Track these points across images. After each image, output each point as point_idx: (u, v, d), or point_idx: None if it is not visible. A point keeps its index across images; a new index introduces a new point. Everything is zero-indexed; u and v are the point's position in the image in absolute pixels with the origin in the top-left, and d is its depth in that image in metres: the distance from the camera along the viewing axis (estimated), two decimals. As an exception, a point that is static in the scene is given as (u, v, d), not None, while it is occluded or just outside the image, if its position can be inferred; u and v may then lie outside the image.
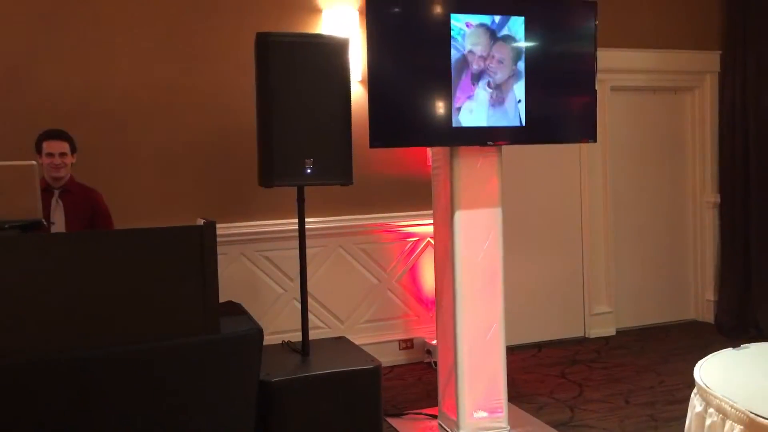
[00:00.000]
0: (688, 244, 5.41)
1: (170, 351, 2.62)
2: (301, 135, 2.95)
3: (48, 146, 3.36)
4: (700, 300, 5.37)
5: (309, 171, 2.95)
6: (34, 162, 2.66)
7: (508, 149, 3.35)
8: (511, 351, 4.37)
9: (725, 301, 5.14)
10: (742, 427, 1.47)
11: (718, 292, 5.27)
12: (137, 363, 2.57)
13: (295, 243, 3.41)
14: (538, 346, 4.76)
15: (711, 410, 1.58)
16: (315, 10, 4.23)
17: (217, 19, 4.06)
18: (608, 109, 5.00)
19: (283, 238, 4.14)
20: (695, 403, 1.64)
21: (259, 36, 2.94)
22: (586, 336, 5.00)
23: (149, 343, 2.59)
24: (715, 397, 1.57)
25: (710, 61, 5.25)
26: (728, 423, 1.51)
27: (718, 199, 5.27)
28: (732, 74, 5.12)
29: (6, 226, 2.55)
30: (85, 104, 3.81)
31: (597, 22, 3.27)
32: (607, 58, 4.77)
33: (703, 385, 1.62)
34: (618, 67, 4.97)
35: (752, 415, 1.43)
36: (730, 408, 1.50)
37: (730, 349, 1.91)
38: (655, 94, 5.25)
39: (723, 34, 5.21)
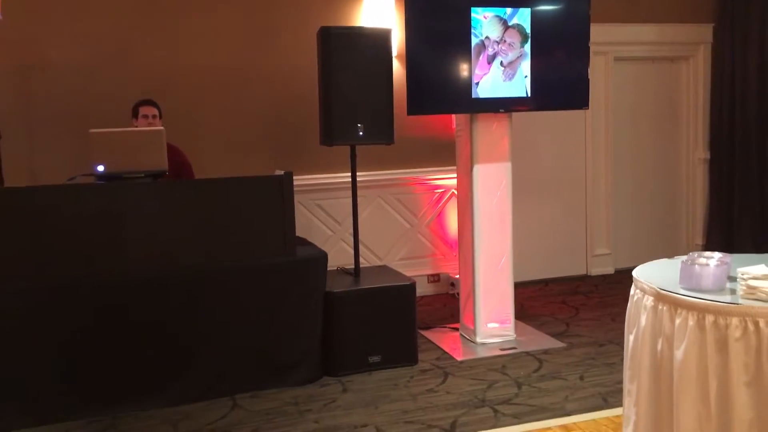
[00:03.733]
0: (681, 196, 6.17)
1: (261, 268, 3.53)
2: (353, 104, 3.79)
3: (143, 110, 4.23)
4: (690, 244, 6.14)
5: (360, 133, 3.81)
6: (162, 128, 3.55)
7: (523, 115, 4.12)
8: (522, 285, 5.23)
9: (712, 246, 5.91)
10: (652, 297, 2.30)
11: (706, 237, 6.05)
12: (238, 276, 3.49)
13: (342, 193, 4.25)
14: (545, 282, 5.62)
15: (636, 290, 2.41)
16: (357, -4, 5.03)
17: (281, 8, 4.86)
18: (612, 78, 5.74)
19: (332, 189, 5.01)
20: (631, 291, 2.46)
21: (323, 29, 3.78)
22: (588, 274, 5.83)
23: (246, 262, 3.51)
24: (639, 281, 2.40)
25: (704, 33, 5.92)
26: (645, 297, 2.34)
27: (708, 156, 6.00)
28: (722, 45, 5.80)
29: (142, 174, 3.46)
30: (173, 78, 4.66)
31: (590, 12, 4.03)
32: (611, 32, 5.52)
33: (635, 276, 2.45)
34: (621, 40, 5.68)
35: (658, 289, 2.25)
36: (646, 287, 2.33)
37: (666, 258, 2.73)
38: (654, 63, 5.95)
39: (715, 9, 5.87)
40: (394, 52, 4.93)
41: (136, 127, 4.12)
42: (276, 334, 3.57)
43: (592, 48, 4.20)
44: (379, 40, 3.82)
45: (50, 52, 4.45)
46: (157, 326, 3.37)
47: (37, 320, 3.20)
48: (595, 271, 5.84)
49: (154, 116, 4.19)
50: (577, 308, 4.87)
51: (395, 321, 3.84)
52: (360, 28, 4.30)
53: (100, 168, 3.40)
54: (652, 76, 5.98)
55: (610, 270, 5.87)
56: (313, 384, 3.63)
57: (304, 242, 4.01)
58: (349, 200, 4.16)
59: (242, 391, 3.51)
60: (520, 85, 3.96)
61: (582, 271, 5.85)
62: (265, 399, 3.47)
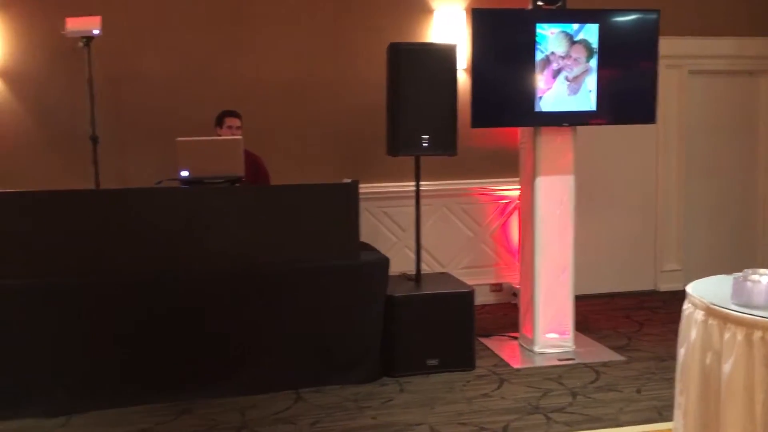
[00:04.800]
0: (758, 212, 5.97)
1: (326, 270, 3.73)
2: (419, 117, 3.95)
3: (228, 121, 4.54)
4: (766, 262, 5.94)
5: (425, 144, 3.96)
6: (241, 137, 3.83)
7: (591, 129, 4.16)
8: (586, 298, 5.22)
9: (789, 265, 5.71)
10: (703, 312, 2.33)
11: (783, 257, 5.85)
12: (305, 276, 3.70)
13: (408, 201, 4.40)
14: (611, 296, 5.58)
15: (689, 305, 2.44)
16: (427, 11, 5.18)
17: (350, 21, 5.09)
18: (686, 91, 5.65)
19: (398, 197, 5.17)
20: (683, 305, 2.49)
21: (392, 45, 3.97)
22: (656, 289, 5.75)
23: (313, 263, 3.72)
24: (691, 296, 2.43)
25: (785, 46, 5.74)
26: (696, 311, 2.37)
27: (787, 173, 5.81)
28: (805, 59, 5.61)
29: (221, 180, 3.73)
30: (252, 89, 4.96)
31: (659, 26, 4.03)
32: (685, 45, 5.47)
33: (687, 291, 2.48)
34: (696, 53, 5.59)
35: (709, 304, 2.28)
36: (698, 301, 2.36)
37: (723, 275, 2.73)
38: (731, 77, 5.82)
39: (798, 22, 5.69)
40: (461, 66, 5.09)
41: (220, 135, 4.42)
42: (339, 333, 3.76)
43: (666, 61, 4.21)
44: (446, 55, 3.97)
45: (140, 65, 4.83)
46: (230, 320, 3.63)
47: (123, 311, 3.51)
48: (665, 286, 5.75)
49: (237, 127, 4.48)
50: (641, 323, 4.83)
51: (454, 326, 3.96)
52: (427, 44, 4.46)
53: (185, 173, 3.69)
54: (729, 90, 5.84)
55: (679, 286, 5.74)
56: (372, 383, 3.80)
57: (368, 247, 4.19)
58: (414, 209, 4.32)
59: (306, 386, 3.72)
60: (585, 100, 4.01)
61: (650, 287, 5.77)
62: (327, 394, 3.66)
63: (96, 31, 4.24)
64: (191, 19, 4.88)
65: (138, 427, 3.30)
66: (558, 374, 3.86)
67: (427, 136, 3.97)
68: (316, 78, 5.06)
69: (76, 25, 4.23)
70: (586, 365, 3.99)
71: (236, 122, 4.53)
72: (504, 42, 3.93)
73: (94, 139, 4.35)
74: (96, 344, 3.49)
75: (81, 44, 4.27)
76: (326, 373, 3.76)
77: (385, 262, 3.88)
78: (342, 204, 3.79)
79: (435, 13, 5.15)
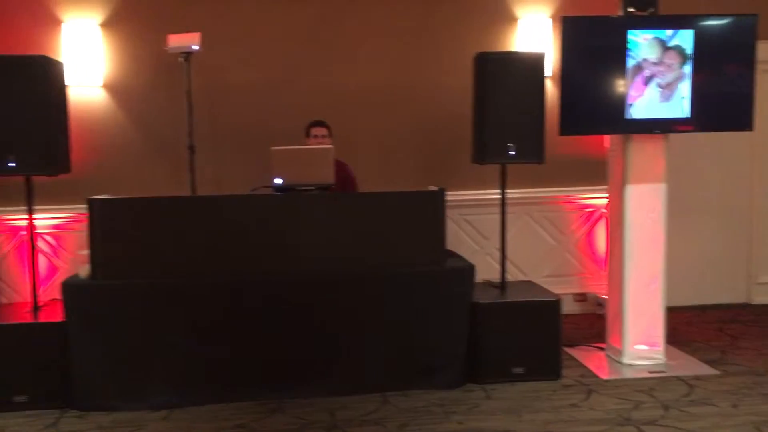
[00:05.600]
0: None
1: (413, 275, 3.80)
2: (506, 125, 3.97)
3: (314, 131, 4.70)
4: None
5: (512, 152, 3.97)
6: (331, 146, 3.96)
7: (684, 136, 4.06)
8: (676, 309, 5.05)
9: None
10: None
11: None
12: (392, 282, 3.78)
13: (490, 209, 4.42)
14: (701, 308, 5.39)
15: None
16: (512, 19, 5.19)
17: (436, 30, 5.16)
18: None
19: (480, 205, 5.19)
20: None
21: (480, 54, 4.01)
22: (749, 303, 5.51)
23: (400, 269, 3.80)
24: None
25: None
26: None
27: None
28: None
29: (312, 187, 3.87)
30: (340, 98, 5.10)
31: (757, 29, 3.90)
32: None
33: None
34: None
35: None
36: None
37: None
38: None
39: None
40: (549, 73, 5.06)
41: (308, 145, 4.57)
42: (424, 338, 3.81)
43: (764, 66, 4.05)
44: (533, 63, 3.97)
45: (235, 78, 5.05)
46: (320, 324, 3.75)
47: (220, 312, 3.69)
48: (759, 299, 5.51)
49: (324, 136, 4.63)
50: (734, 337, 4.65)
51: (540, 335, 3.94)
52: (515, 53, 4.47)
53: (278, 180, 3.85)
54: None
55: (775, 300, 5.52)
56: (457, 389, 3.83)
57: (452, 254, 4.23)
58: (497, 216, 4.33)
59: (392, 389, 3.79)
60: (678, 106, 3.93)
61: (742, 299, 5.54)
62: (413, 398, 3.71)
63: (195, 47, 4.48)
64: (281, 33, 5.08)
65: (233, 423, 3.46)
66: (649, 387, 3.78)
67: (513, 144, 3.97)
68: (402, 86, 5.15)
69: (177, 41, 4.49)
70: (678, 378, 3.89)
71: (322, 131, 4.67)
72: (594, 49, 3.90)
73: (191, 148, 4.58)
74: (196, 343, 3.68)
75: (181, 59, 4.52)
76: (412, 377, 3.81)
77: (470, 269, 3.91)
78: (429, 211, 3.85)
79: (520, 21, 5.16)
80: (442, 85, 5.14)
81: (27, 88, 3.73)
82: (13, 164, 3.79)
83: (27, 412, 3.61)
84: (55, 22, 4.80)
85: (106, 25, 4.88)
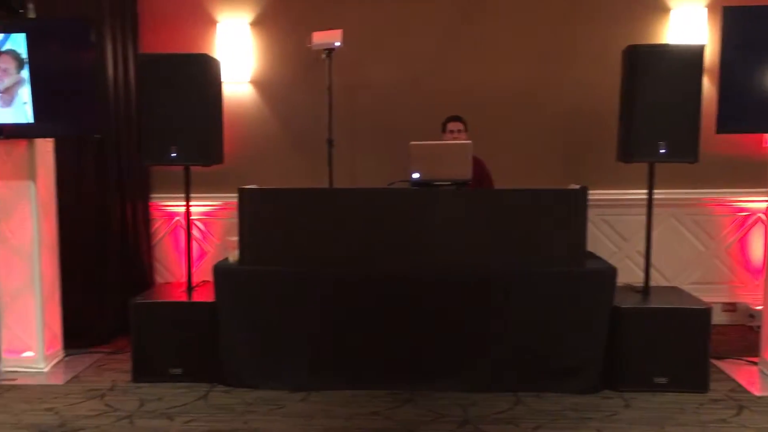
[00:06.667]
0: None
1: (550, 276, 3.71)
2: (657, 122, 3.77)
3: (450, 126, 4.70)
4: None
5: (662, 151, 3.77)
6: (470, 142, 3.95)
7: None
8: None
9: None
10: None
11: None
12: (528, 281, 3.71)
13: (631, 210, 4.22)
14: None
15: None
16: (663, 10, 4.91)
17: (580, 22, 4.99)
18: None
19: (620, 206, 4.97)
20: None
21: (630, 47, 3.83)
22: None
23: (537, 268, 3.72)
24: None
25: None
26: None
27: None
28: None
29: (449, 183, 3.88)
30: (478, 93, 5.06)
31: None
32: None
33: None
34: None
35: None
36: None
37: None
38: None
39: None
40: (702, 67, 4.75)
41: (444, 140, 4.59)
42: (560, 341, 3.72)
43: None
44: (691, 56, 3.74)
45: (373, 73, 5.16)
46: (453, 319, 3.76)
47: (359, 302, 3.79)
48: None
49: (459, 131, 4.63)
50: None
51: (686, 345, 3.72)
52: (670, 46, 4.23)
53: (416, 175, 3.90)
54: None
55: None
56: (593, 394, 3.70)
57: (592, 256, 4.08)
58: (638, 218, 4.14)
59: (524, 390, 3.73)
60: None
61: None
62: (546, 400, 3.63)
63: (337, 43, 4.63)
64: (421, 30, 5.11)
65: (368, 409, 3.55)
66: (811, 408, 3.47)
67: (664, 142, 3.77)
68: (542, 81, 5.04)
69: (320, 38, 4.65)
70: None
71: (458, 126, 4.67)
72: (757, 41, 3.61)
73: (330, 142, 4.74)
74: (332, 330, 3.82)
75: (324, 56, 4.68)
76: (546, 379, 3.73)
77: (612, 271, 3.76)
78: (569, 210, 3.74)
79: (672, 12, 4.87)
80: (584, 80, 4.96)
81: (189, 84, 4.03)
82: (174, 155, 4.10)
83: (180, 384, 3.91)
84: (211, 22, 5.13)
85: (256, 24, 5.15)
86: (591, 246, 4.84)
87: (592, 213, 4.98)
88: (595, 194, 4.94)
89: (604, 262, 3.99)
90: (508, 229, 3.78)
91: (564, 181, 4.59)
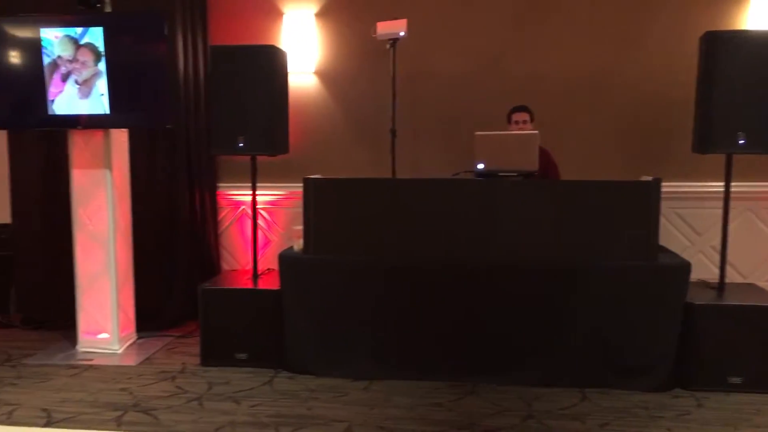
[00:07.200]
0: None
1: (620, 270, 3.62)
2: (737, 111, 3.61)
3: (515, 116, 4.62)
4: None
5: (741, 141, 3.60)
6: (536, 132, 3.88)
7: None
8: None
9: None
10: None
11: None
12: (596, 275, 3.63)
13: (705, 203, 4.07)
14: None
15: None
16: (742, -7, 4.69)
17: (656, 10, 4.81)
18: None
19: (694, 198, 4.78)
20: None
21: (709, 33, 3.68)
22: None
23: (605, 263, 3.63)
24: None
25: None
26: None
27: None
28: None
29: (515, 173, 3.82)
30: (542, 83, 4.96)
31: None
32: None
33: None
34: None
35: None
36: None
37: None
38: None
39: None
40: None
41: (509, 130, 4.52)
42: (629, 337, 3.62)
43: None
44: (773, 42, 3.56)
45: (436, 63, 5.12)
46: (519, 311, 3.71)
47: (421, 293, 3.79)
48: None
49: (524, 121, 4.55)
50: None
51: (762, 344, 3.57)
52: (751, 32, 4.01)
53: (481, 166, 3.85)
54: None
55: None
56: (663, 393, 3.60)
57: (664, 250, 3.95)
58: (713, 211, 4.00)
59: (590, 386, 3.66)
60: None
61: None
62: (614, 397, 3.55)
63: (402, 33, 4.62)
64: (486, 19, 5.04)
65: (431, 401, 3.55)
66: None
67: (743, 133, 3.60)
68: (613, 69, 4.89)
69: (386, 28, 4.65)
70: None
71: (523, 116, 4.59)
72: None
73: (393, 132, 4.74)
74: (394, 320, 3.83)
75: (388, 46, 4.68)
76: (613, 375, 3.65)
77: (685, 266, 3.64)
78: (642, 202, 3.63)
79: (752, -4, 4.64)
80: (656, 68, 4.79)
81: (257, 75, 4.10)
82: (242, 145, 4.18)
83: (246, 369, 4.00)
84: (277, 14, 5.19)
85: (321, 14, 5.18)
86: (663, 240, 4.71)
87: (663, 205, 4.83)
88: (667, 186, 4.82)
89: (677, 256, 3.86)
90: (576, 221, 3.70)
91: (635, 172, 4.45)
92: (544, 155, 4.48)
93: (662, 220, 4.84)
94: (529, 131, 4.26)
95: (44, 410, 3.43)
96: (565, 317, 3.67)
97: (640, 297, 3.59)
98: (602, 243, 3.66)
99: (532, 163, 3.80)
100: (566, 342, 3.67)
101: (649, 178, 3.66)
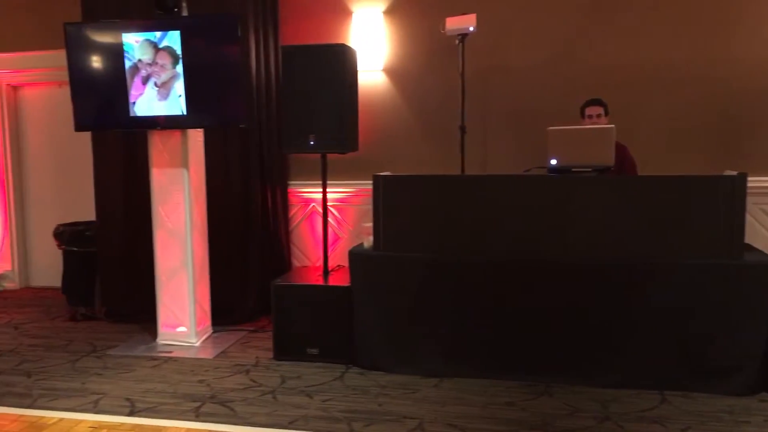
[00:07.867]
0: None
1: (702, 268, 3.47)
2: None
3: (588, 110, 4.49)
4: None
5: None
6: (612, 126, 3.76)
7: None
8: None
9: None
10: None
11: None
12: (677, 274, 3.49)
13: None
14: None
15: None
16: (837, -25, 4.40)
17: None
18: None
19: (778, 194, 4.55)
20: None
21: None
22: None
23: (687, 261, 3.48)
24: None
25: None
26: None
27: None
28: None
29: (589, 169, 3.72)
30: (617, 76, 4.81)
31: None
32: None
33: None
34: None
35: None
36: None
37: None
38: None
39: None
40: None
41: (583, 125, 4.40)
42: (713, 338, 3.47)
43: None
44: None
45: (506, 58, 5.04)
46: (594, 311, 3.61)
47: (485, 289, 3.74)
48: None
49: (598, 115, 4.42)
50: None
51: None
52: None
53: (554, 161, 3.77)
54: None
55: None
56: (749, 396, 3.43)
57: (750, 248, 3.76)
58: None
59: (670, 388, 3.52)
60: None
61: None
62: (696, 401, 3.41)
63: (471, 28, 4.57)
64: (555, 10, 4.93)
65: (503, 400, 3.50)
66: None
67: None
68: (691, 60, 4.69)
69: (454, 23, 4.62)
70: None
71: (597, 110, 4.45)
72: None
73: (463, 129, 4.70)
74: (465, 318, 3.79)
75: (457, 41, 4.64)
76: (695, 378, 3.50)
77: (773, 265, 3.45)
78: (726, 198, 3.47)
79: None
80: (741, 58, 4.57)
81: (328, 73, 4.15)
82: (313, 143, 4.24)
83: (317, 364, 4.06)
84: (346, 12, 5.24)
85: (389, 12, 5.19)
86: (748, 237, 4.50)
87: (749, 201, 4.62)
88: (753, 181, 4.59)
89: (764, 254, 3.66)
90: (654, 218, 3.56)
91: (718, 167, 4.26)
92: (621, 150, 4.35)
93: (747, 217, 4.65)
94: (605, 125, 4.13)
95: (128, 400, 3.58)
96: (641, 317, 3.55)
97: (724, 297, 3.43)
98: (683, 240, 3.51)
99: (608, 158, 3.68)
100: (642, 343, 3.55)
101: (734, 173, 3.49)
